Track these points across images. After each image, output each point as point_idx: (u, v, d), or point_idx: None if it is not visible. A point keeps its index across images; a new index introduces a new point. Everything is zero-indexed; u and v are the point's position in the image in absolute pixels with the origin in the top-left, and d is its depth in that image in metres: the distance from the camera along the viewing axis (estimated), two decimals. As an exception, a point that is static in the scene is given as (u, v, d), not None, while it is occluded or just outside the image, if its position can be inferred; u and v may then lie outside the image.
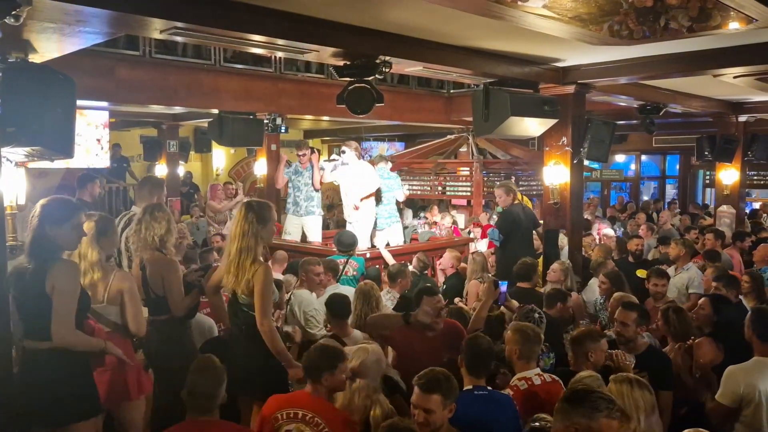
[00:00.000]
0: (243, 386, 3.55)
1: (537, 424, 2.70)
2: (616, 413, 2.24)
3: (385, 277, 6.31)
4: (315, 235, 8.02)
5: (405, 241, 8.35)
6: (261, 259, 3.63)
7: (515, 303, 4.79)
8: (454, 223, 9.92)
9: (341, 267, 6.19)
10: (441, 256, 7.15)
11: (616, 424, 2.22)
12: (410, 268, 6.44)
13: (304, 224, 8.01)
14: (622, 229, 10.11)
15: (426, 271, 6.96)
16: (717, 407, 3.52)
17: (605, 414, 2.20)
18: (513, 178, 9.80)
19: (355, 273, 6.37)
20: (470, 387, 3.23)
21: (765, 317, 3.64)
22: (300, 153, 8.10)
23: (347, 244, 6.47)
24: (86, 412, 3.08)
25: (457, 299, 6.10)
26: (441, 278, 6.99)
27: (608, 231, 9.19)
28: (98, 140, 8.27)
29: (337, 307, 4.37)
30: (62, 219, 3.05)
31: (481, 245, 7.72)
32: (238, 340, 3.66)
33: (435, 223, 9.93)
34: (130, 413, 3.56)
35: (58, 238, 3.03)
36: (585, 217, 8.36)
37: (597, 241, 8.50)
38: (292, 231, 8.03)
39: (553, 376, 3.51)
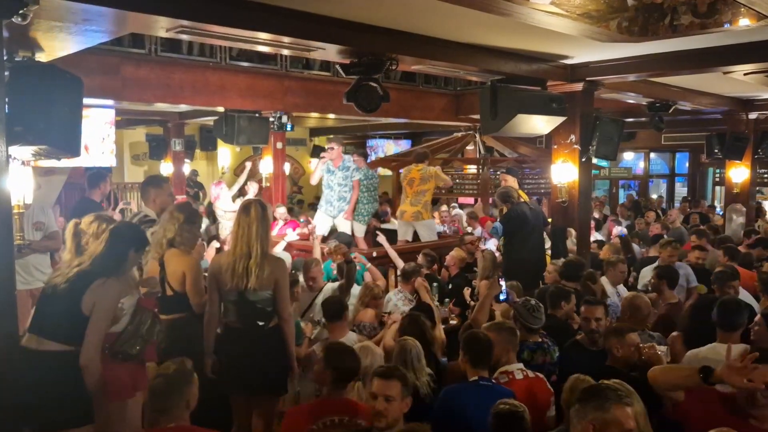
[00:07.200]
0: (256, 384, 3.57)
1: (503, 406, 2.74)
2: (626, 399, 2.23)
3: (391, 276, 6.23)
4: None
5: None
6: None
7: None
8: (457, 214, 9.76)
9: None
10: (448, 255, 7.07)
11: (630, 411, 2.21)
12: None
13: (337, 225, 7.84)
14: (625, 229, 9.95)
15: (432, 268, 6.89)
16: None
17: (614, 401, 2.19)
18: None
19: (358, 268, 6.34)
20: (475, 378, 3.23)
21: (727, 309, 3.67)
22: (328, 146, 7.83)
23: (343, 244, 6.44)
24: (82, 418, 2.98)
25: (466, 291, 6.03)
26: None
27: (618, 230, 9.14)
28: (104, 139, 8.27)
29: (332, 308, 4.14)
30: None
31: (488, 244, 7.64)
32: (249, 337, 3.61)
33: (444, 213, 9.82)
34: (121, 413, 3.24)
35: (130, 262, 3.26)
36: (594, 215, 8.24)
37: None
38: (322, 229, 7.81)
39: (537, 373, 3.46)
